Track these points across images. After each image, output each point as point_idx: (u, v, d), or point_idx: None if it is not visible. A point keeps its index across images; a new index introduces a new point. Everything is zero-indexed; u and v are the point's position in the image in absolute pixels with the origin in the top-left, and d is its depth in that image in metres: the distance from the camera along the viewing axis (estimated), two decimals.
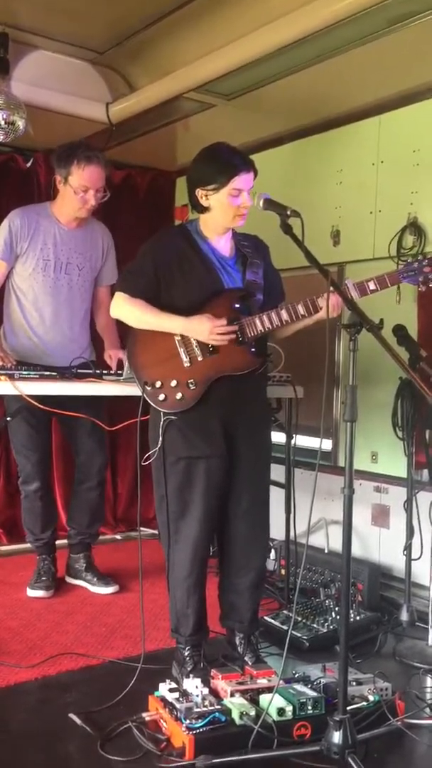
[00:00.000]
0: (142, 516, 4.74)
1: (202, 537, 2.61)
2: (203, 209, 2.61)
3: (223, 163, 2.54)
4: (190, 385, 2.55)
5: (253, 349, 2.59)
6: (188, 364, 2.57)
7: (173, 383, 2.57)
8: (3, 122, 3.37)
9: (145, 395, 2.60)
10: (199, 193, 2.58)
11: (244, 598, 2.73)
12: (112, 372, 3.18)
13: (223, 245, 2.67)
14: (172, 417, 2.58)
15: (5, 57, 3.38)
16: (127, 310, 2.64)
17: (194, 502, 2.58)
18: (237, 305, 2.57)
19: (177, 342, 2.58)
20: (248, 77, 3.34)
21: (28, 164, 4.46)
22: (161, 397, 2.57)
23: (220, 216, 2.58)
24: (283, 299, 2.76)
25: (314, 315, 2.51)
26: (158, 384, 2.58)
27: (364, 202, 3.73)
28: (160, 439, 2.58)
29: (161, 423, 2.58)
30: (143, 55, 3.54)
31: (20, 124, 3.43)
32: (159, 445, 2.59)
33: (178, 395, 2.56)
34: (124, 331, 2.90)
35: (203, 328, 2.52)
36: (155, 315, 2.58)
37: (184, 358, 2.58)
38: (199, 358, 2.57)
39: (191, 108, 3.80)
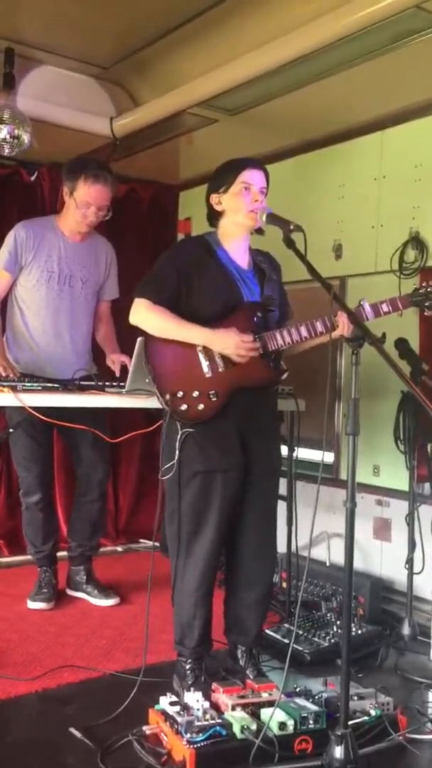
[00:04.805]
0: (142, 528, 4.82)
1: (215, 551, 2.58)
2: (219, 215, 2.64)
3: (231, 164, 2.63)
4: (212, 397, 2.52)
5: (272, 364, 2.60)
6: (210, 375, 2.54)
7: (195, 394, 2.52)
8: (8, 136, 3.41)
9: (165, 405, 2.54)
10: (213, 199, 2.62)
11: (251, 613, 2.71)
12: (114, 384, 3.18)
13: (241, 256, 2.67)
14: (191, 430, 2.54)
15: (11, 72, 3.43)
16: (149, 317, 2.56)
17: (210, 517, 2.54)
18: (255, 319, 2.57)
19: (199, 352, 2.54)
20: (251, 93, 3.37)
21: (32, 178, 4.49)
22: (183, 407, 2.52)
23: (234, 215, 2.59)
24: (291, 317, 2.77)
25: (331, 332, 2.47)
26: (180, 394, 2.52)
27: (366, 217, 3.75)
28: (177, 453, 2.54)
29: (179, 436, 2.54)
30: (147, 70, 3.58)
31: (25, 138, 3.47)
32: (175, 459, 2.54)
33: (200, 406, 2.52)
34: (129, 340, 2.88)
35: (230, 343, 2.49)
36: (179, 325, 2.53)
37: (206, 369, 2.54)
38: (221, 370, 2.54)
39: (194, 123, 3.83)
